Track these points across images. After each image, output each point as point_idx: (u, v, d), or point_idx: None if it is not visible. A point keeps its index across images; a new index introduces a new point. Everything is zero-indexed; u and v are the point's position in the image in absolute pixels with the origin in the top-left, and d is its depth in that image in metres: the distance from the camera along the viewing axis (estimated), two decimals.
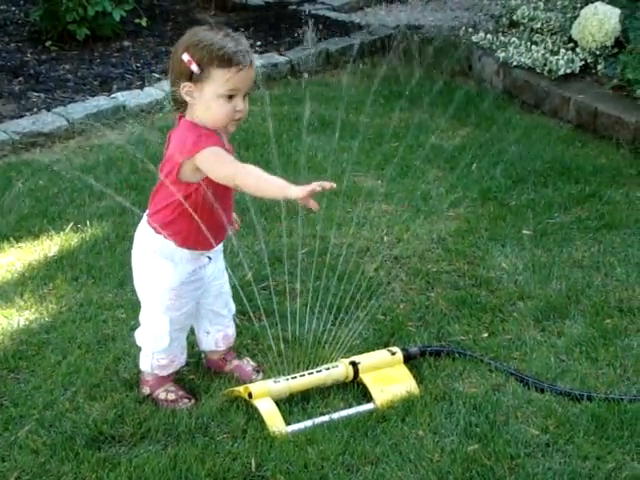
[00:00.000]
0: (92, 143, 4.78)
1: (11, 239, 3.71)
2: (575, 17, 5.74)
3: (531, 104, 5.49)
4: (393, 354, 2.93)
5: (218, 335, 2.90)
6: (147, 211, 2.69)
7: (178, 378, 2.87)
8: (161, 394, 2.79)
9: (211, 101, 2.52)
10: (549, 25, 5.86)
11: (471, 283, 3.52)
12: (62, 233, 3.78)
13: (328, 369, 2.83)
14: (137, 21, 6.34)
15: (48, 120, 4.88)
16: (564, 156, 4.74)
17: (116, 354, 2.99)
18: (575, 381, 2.93)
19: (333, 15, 7.06)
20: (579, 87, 5.36)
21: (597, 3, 5.62)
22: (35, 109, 5.06)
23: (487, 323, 3.26)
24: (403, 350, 2.96)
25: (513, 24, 6.11)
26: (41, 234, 3.77)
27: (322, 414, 2.73)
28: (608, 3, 5.61)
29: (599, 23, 5.47)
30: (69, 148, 4.74)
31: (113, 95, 5.25)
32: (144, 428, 2.65)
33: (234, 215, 2.79)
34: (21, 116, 4.94)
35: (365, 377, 2.84)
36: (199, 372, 2.95)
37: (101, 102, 5.14)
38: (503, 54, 5.72)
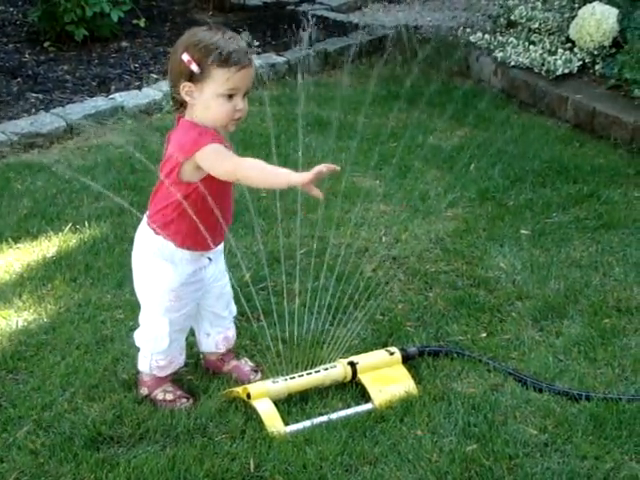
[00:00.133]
0: (90, 144, 4.77)
1: (9, 240, 3.71)
2: (573, 17, 5.75)
3: (529, 104, 5.50)
4: (391, 354, 2.93)
5: (218, 337, 2.90)
6: (147, 212, 2.70)
7: (176, 378, 2.87)
8: (159, 394, 2.79)
9: (211, 100, 2.53)
10: (547, 25, 5.86)
11: (469, 283, 3.52)
12: (60, 234, 3.78)
13: (327, 369, 2.84)
14: (135, 22, 6.33)
15: (46, 121, 4.87)
16: (562, 156, 4.74)
17: (114, 355, 2.99)
18: (573, 381, 2.93)
19: (331, 15, 7.05)
20: (577, 87, 5.36)
21: (595, 3, 5.62)
22: (33, 110, 5.05)
23: (485, 323, 3.26)
24: (401, 350, 2.96)
25: (511, 24, 6.11)
26: (39, 235, 3.77)
27: (321, 414, 2.73)
28: (606, 3, 5.61)
29: (597, 23, 5.47)
30: (67, 149, 4.74)
31: (111, 96, 5.25)
32: (143, 429, 2.65)
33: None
34: (19, 117, 4.94)
35: (363, 377, 2.84)
36: (197, 373, 2.95)
37: (99, 103, 5.14)
38: (501, 54, 5.73)
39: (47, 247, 3.68)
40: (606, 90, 5.26)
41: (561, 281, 3.52)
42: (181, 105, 2.59)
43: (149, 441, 2.61)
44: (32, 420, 2.67)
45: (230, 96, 2.53)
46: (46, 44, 5.96)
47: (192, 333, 2.93)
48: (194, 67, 2.50)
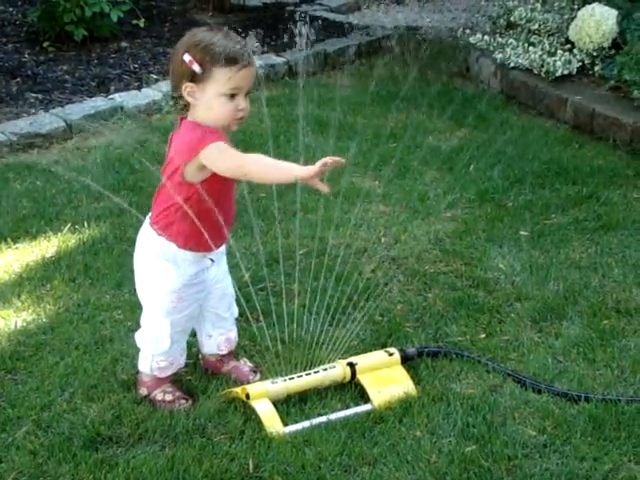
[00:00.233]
0: (90, 144, 4.77)
1: (8, 240, 3.71)
2: (572, 18, 5.75)
3: (528, 105, 5.50)
4: (390, 355, 2.93)
5: (220, 338, 2.90)
6: (149, 214, 2.69)
7: (175, 379, 2.86)
8: (158, 395, 2.79)
9: (213, 100, 2.53)
10: (546, 26, 5.86)
11: (468, 284, 3.52)
12: (60, 234, 3.77)
13: (326, 370, 2.83)
14: (135, 22, 6.33)
15: (46, 121, 4.87)
16: (561, 157, 4.74)
17: (114, 355, 2.98)
18: (572, 382, 2.93)
19: (331, 16, 7.06)
20: (576, 88, 5.37)
21: (594, 4, 5.63)
22: (33, 110, 5.05)
23: (484, 324, 3.26)
24: (400, 351, 2.96)
25: (510, 25, 6.12)
26: (38, 235, 3.77)
27: (319, 415, 2.73)
28: (605, 4, 5.62)
29: (596, 24, 5.48)
30: (67, 149, 4.73)
31: (111, 96, 5.24)
32: (141, 429, 2.64)
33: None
34: (19, 117, 4.93)
35: (362, 378, 2.84)
36: (197, 373, 2.94)
37: (99, 103, 5.13)
38: (500, 55, 5.73)
39: (46, 247, 3.68)
40: (605, 91, 5.26)
41: (560, 282, 3.52)
42: (183, 107, 2.59)
43: (148, 441, 2.61)
44: (31, 420, 2.67)
45: (232, 96, 2.53)
46: (45, 44, 5.96)
47: (191, 333, 2.93)
48: (196, 67, 2.50)
